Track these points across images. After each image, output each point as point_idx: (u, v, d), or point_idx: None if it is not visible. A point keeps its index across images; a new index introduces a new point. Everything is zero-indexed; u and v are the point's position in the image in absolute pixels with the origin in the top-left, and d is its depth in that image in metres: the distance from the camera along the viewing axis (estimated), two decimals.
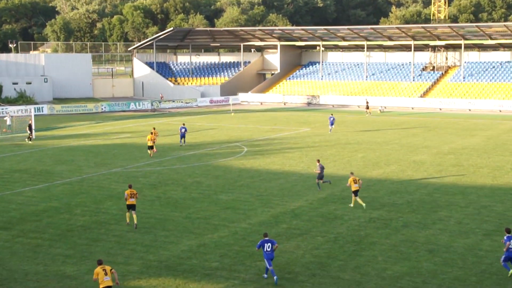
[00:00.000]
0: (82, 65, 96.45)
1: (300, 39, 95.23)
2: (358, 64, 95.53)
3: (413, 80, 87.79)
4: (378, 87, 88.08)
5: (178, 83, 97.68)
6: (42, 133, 58.25)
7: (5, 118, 61.01)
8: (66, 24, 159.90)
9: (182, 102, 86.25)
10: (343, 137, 53.79)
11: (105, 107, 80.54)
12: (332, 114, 61.28)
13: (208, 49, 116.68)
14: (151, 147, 44.59)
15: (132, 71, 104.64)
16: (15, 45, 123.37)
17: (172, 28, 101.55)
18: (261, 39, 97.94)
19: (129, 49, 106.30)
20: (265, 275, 21.16)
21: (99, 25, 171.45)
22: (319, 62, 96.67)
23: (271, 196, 32.37)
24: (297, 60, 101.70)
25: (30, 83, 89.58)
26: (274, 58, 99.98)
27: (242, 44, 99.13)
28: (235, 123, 65.45)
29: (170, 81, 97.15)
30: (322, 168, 33.50)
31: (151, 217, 28.37)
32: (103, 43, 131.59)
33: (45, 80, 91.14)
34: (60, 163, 42.56)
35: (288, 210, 29.38)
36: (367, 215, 28.38)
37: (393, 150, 46.71)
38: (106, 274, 18.82)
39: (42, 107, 77.00)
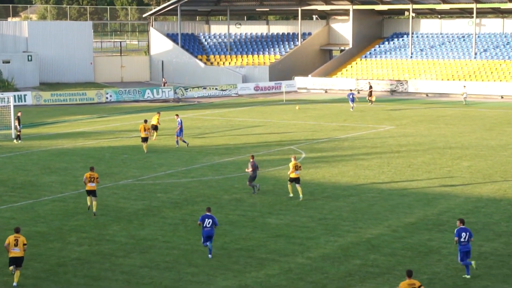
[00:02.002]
0: (79, 38, 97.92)
1: (382, 1, 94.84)
2: (463, 36, 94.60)
3: None
4: (492, 68, 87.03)
5: (211, 63, 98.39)
6: (25, 130, 59.30)
7: None
8: None
9: (216, 89, 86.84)
10: (441, 139, 53.32)
11: (111, 96, 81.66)
12: (351, 90, 73.13)
13: (253, 16, 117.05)
14: (145, 139, 48.80)
15: (148, 46, 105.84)
16: None
17: None
18: (327, 2, 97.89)
19: (144, 15, 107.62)
20: (210, 256, 27.24)
21: None
22: (407, 34, 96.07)
23: (339, 219, 32.33)
24: (377, 31, 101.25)
25: (8, 62, 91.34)
26: (344, 29, 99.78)
27: (300, 9, 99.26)
28: (289, 119, 65.53)
29: (200, 59, 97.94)
30: (255, 166, 36.62)
31: (173, 247, 28.64)
32: (108, 7, 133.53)
33: (29, 58, 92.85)
34: (49, 172, 43.29)
35: (362, 240, 29.29)
36: (476, 248, 28.07)
37: None
38: (16, 245, 25.04)
39: (24, 95, 78.51)
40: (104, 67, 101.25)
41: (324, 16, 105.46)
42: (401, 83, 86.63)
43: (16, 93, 77.33)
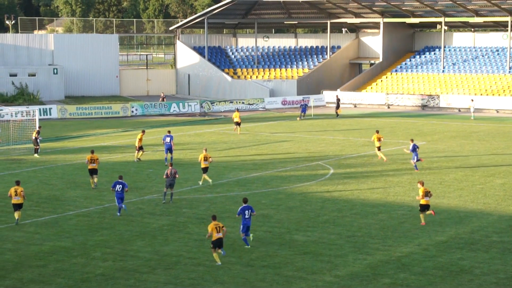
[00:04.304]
0: (105, 51, 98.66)
1: (413, 14, 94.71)
2: (497, 50, 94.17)
3: None
4: None
5: (238, 77, 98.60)
6: (50, 144, 59.76)
7: None
8: None
9: (243, 103, 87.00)
10: (474, 155, 53.07)
11: (136, 110, 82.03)
12: (304, 100, 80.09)
13: (281, 29, 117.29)
14: (141, 148, 51.58)
15: (175, 59, 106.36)
16: (14, 21, 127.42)
17: None
18: (356, 15, 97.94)
19: (170, 28, 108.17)
20: (122, 209, 35.95)
21: None
22: (439, 48, 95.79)
23: (367, 237, 32.25)
24: (408, 44, 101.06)
25: (34, 75, 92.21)
26: (374, 42, 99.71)
27: (329, 22, 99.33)
28: (317, 134, 65.50)
29: (227, 73, 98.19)
30: (173, 173, 38.24)
31: (198, 263, 28.69)
32: (134, 19, 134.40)
33: (55, 71, 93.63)
34: (74, 186, 43.56)
35: (392, 259, 29.19)
36: (509, 269, 27.89)
37: None
38: (17, 194, 34.47)
39: (50, 109, 79.10)
40: (130, 80, 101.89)
41: (354, 29, 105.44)
42: (433, 98, 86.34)
43: (42, 107, 77.99)
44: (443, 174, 46.21)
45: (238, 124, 65.32)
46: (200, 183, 43.02)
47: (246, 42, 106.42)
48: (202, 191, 41.79)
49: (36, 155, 54.00)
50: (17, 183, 35.35)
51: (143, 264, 28.67)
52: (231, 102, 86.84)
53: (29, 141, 57.91)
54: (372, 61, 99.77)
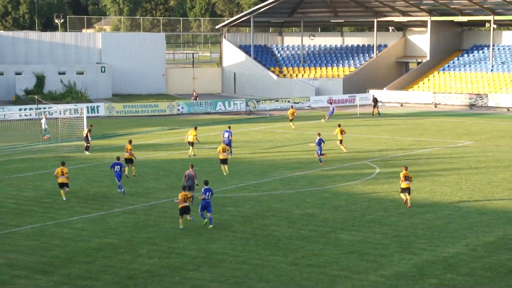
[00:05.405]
0: (152, 49, 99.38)
1: (461, 13, 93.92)
2: None
3: None
4: None
5: (284, 75, 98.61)
6: (98, 142, 60.28)
7: (41, 121, 63.56)
8: None
9: (289, 101, 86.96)
10: None
11: (183, 108, 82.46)
12: (331, 102, 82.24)
13: (327, 28, 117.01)
14: (192, 144, 52.75)
15: (221, 57, 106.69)
16: (62, 20, 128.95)
17: None
18: (404, 13, 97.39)
19: (217, 27, 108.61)
20: (123, 192, 39.88)
21: None
22: (488, 46, 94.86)
23: (414, 237, 32.07)
24: (456, 43, 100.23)
25: (82, 73, 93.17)
26: (421, 40, 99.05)
27: (375, 20, 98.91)
28: (363, 133, 65.28)
29: (273, 72, 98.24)
30: (190, 176, 37.69)
31: (243, 261, 28.76)
32: (181, 18, 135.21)
33: (102, 69, 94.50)
34: (121, 183, 43.89)
35: (438, 259, 29.01)
36: None
37: None
38: (63, 174, 38.55)
39: (97, 107, 79.85)
40: (176, 78, 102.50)
41: (401, 27, 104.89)
42: (481, 97, 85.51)
43: (89, 105, 78.84)
44: (491, 174, 45.78)
45: (292, 121, 68.37)
46: (225, 173, 45.81)
47: (292, 41, 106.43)
48: (247, 189, 41.88)
49: (87, 152, 54.71)
50: (63, 164, 39.61)
51: (188, 262, 28.82)
52: (277, 101, 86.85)
53: (78, 138, 58.61)
54: (419, 60, 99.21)
